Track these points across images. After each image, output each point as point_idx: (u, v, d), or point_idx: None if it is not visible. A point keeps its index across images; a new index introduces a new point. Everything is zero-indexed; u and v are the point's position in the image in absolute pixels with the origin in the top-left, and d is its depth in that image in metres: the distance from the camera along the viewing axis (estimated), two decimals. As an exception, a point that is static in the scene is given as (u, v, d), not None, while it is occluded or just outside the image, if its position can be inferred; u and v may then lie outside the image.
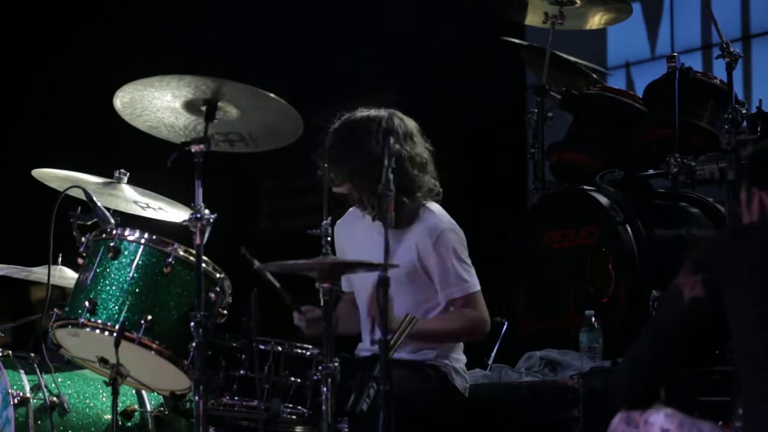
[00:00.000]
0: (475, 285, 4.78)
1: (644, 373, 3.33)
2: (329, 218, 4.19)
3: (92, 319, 4.40)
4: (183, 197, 4.70)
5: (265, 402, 4.24)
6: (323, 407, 4.04)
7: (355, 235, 4.90)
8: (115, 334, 4.32)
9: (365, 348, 4.80)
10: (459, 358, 4.84)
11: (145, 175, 5.04)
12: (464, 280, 4.75)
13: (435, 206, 4.84)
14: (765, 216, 3.28)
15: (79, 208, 4.68)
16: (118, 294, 4.41)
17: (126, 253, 4.46)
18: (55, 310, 4.53)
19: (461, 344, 4.86)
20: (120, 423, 4.97)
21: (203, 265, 4.26)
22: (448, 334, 4.76)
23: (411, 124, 4.86)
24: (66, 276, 5.32)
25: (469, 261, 4.80)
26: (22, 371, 5.04)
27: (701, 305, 3.23)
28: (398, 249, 4.69)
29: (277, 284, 4.25)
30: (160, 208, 4.99)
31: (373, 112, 4.84)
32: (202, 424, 4.12)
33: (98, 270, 4.47)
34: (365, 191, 4.74)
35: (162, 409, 5.14)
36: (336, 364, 4.03)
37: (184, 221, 4.27)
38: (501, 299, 6.10)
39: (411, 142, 4.81)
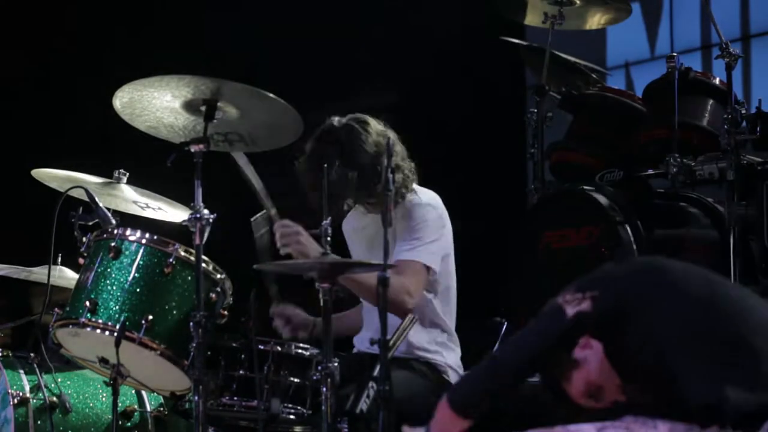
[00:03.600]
0: (418, 256, 4.63)
1: (501, 383, 3.33)
2: (329, 218, 4.19)
3: (93, 319, 4.40)
4: (183, 197, 4.71)
5: (265, 402, 4.24)
6: (323, 407, 4.04)
7: (357, 231, 4.92)
8: (115, 334, 4.32)
9: (363, 344, 4.81)
10: (453, 354, 4.84)
11: (145, 175, 5.05)
12: (408, 248, 4.65)
13: (419, 190, 4.80)
14: None
15: (81, 209, 4.69)
16: (118, 294, 4.41)
17: (127, 253, 4.47)
18: (56, 309, 4.54)
19: (456, 341, 4.86)
20: (120, 423, 4.97)
21: (204, 265, 4.27)
22: (367, 287, 4.41)
23: (371, 121, 4.82)
24: (66, 276, 5.32)
25: (431, 238, 4.68)
26: (22, 371, 5.05)
27: (586, 320, 3.22)
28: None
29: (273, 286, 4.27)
30: (159, 208, 5.00)
31: (332, 121, 4.81)
32: (202, 424, 4.12)
33: (99, 270, 4.48)
34: (363, 194, 4.76)
35: (162, 409, 5.15)
36: (335, 364, 4.04)
37: (184, 221, 4.27)
38: (501, 299, 6.10)
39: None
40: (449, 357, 4.81)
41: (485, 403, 3.37)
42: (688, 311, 3.16)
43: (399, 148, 4.81)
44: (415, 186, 4.81)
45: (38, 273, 5.34)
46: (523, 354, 3.32)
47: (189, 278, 4.40)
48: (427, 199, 4.78)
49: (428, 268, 4.66)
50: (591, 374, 3.27)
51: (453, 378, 4.78)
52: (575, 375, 3.30)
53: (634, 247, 5.68)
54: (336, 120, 4.82)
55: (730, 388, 3.05)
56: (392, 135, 4.78)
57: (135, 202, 4.97)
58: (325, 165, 4.39)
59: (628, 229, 5.72)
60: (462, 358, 4.89)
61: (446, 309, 4.84)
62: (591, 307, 3.21)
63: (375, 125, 4.80)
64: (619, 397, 3.27)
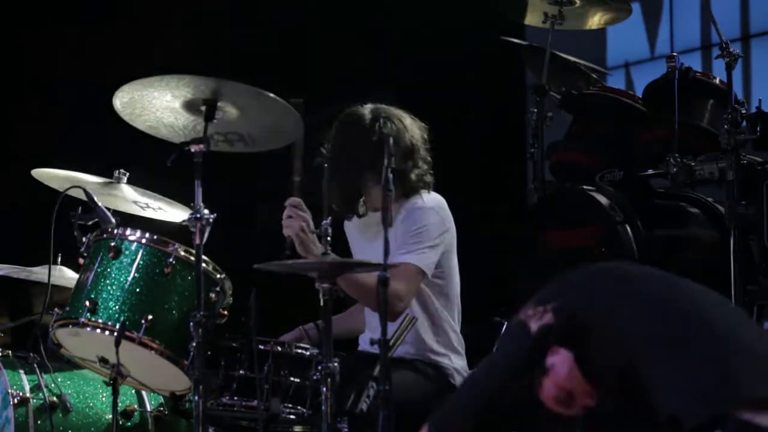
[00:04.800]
0: (412, 259, 4.62)
1: (479, 404, 3.29)
2: (329, 218, 4.19)
3: (93, 319, 4.40)
4: (183, 197, 4.71)
5: (265, 402, 4.24)
6: (323, 407, 4.04)
7: (359, 230, 4.91)
8: (115, 334, 4.33)
9: (367, 345, 4.81)
10: (459, 357, 4.83)
11: (145, 175, 5.04)
12: (404, 251, 4.63)
13: (426, 195, 4.81)
14: None
15: (80, 208, 4.69)
16: (118, 294, 4.42)
17: (127, 252, 4.47)
18: (56, 309, 4.54)
19: (462, 343, 4.85)
20: (120, 423, 4.97)
21: (204, 265, 4.27)
22: (364, 288, 4.47)
23: (396, 112, 4.87)
24: (66, 276, 5.32)
25: (429, 243, 4.67)
26: (22, 371, 5.04)
27: (550, 332, 3.20)
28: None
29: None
30: (159, 208, 5.00)
31: (359, 110, 4.86)
32: (202, 424, 4.12)
33: (99, 270, 4.48)
34: (371, 186, 4.75)
35: (162, 409, 5.15)
36: (336, 364, 4.04)
37: (184, 221, 4.27)
38: (501, 299, 6.10)
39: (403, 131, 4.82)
40: (456, 360, 4.80)
41: (468, 426, 3.35)
42: (650, 315, 3.13)
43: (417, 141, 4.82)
44: (422, 193, 4.80)
45: (38, 273, 5.34)
46: (496, 375, 3.29)
47: (189, 278, 4.40)
48: (430, 202, 4.77)
49: (423, 273, 4.65)
50: (561, 380, 3.24)
51: (458, 380, 4.77)
52: (546, 382, 3.27)
53: (634, 247, 5.68)
54: (362, 105, 4.86)
55: (692, 398, 3.03)
56: (419, 131, 4.84)
57: (135, 202, 4.97)
58: (325, 165, 4.39)
59: (628, 229, 5.71)
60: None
61: (451, 309, 4.83)
62: (553, 318, 3.19)
63: (406, 117, 4.84)
64: (589, 403, 3.25)
